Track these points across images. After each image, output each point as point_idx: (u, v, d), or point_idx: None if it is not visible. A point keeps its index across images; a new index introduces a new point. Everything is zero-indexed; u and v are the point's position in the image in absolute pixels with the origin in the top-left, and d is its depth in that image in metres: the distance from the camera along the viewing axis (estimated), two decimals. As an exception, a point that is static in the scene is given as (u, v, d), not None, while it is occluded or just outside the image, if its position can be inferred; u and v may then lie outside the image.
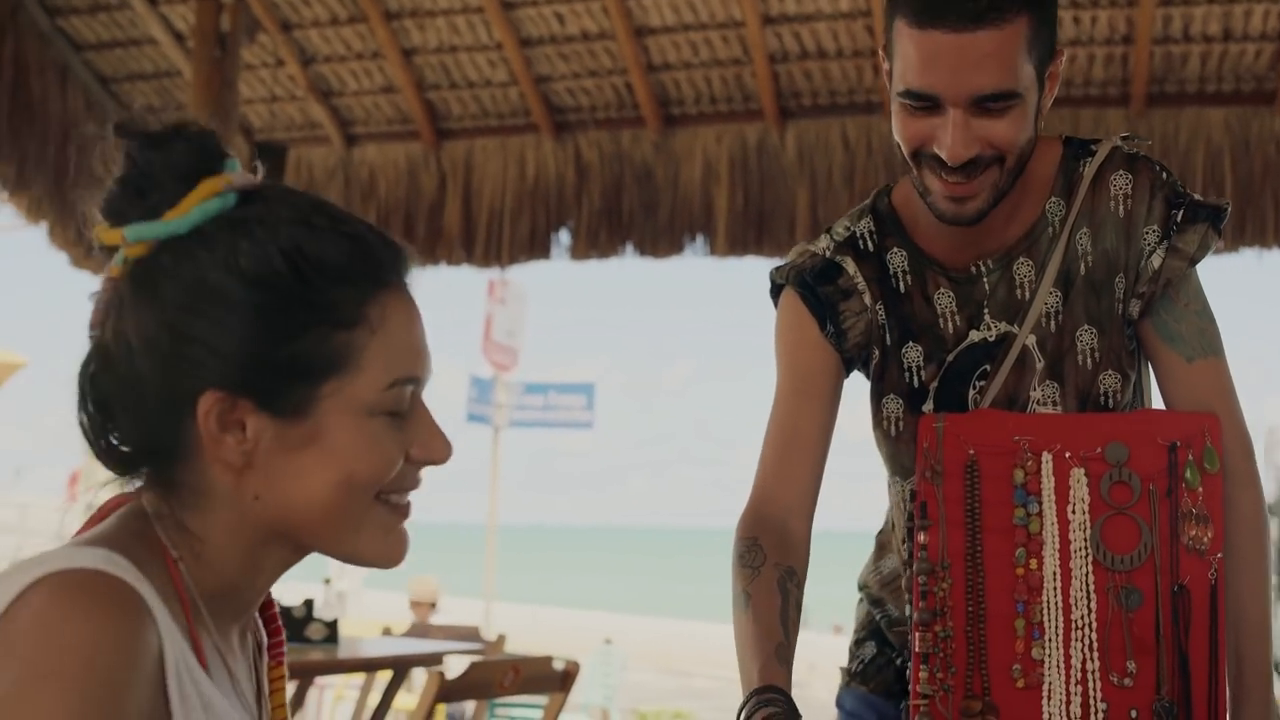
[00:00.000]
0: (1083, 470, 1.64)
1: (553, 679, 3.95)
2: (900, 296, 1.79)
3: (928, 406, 1.76)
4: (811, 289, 1.80)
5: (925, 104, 1.60)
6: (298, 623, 4.47)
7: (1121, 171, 1.73)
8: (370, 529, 1.09)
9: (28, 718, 0.91)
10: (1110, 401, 1.72)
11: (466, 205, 5.84)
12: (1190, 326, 1.72)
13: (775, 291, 1.86)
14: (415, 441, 1.10)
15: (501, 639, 5.33)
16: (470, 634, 5.41)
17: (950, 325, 1.77)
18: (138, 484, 1.11)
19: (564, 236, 5.83)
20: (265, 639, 1.22)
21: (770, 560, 1.71)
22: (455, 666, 3.67)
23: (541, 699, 5.96)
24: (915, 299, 1.79)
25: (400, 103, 6.00)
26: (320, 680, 7.65)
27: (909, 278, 1.79)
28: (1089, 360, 1.72)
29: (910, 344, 1.78)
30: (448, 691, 3.52)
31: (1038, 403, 1.72)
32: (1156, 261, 1.70)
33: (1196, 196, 1.72)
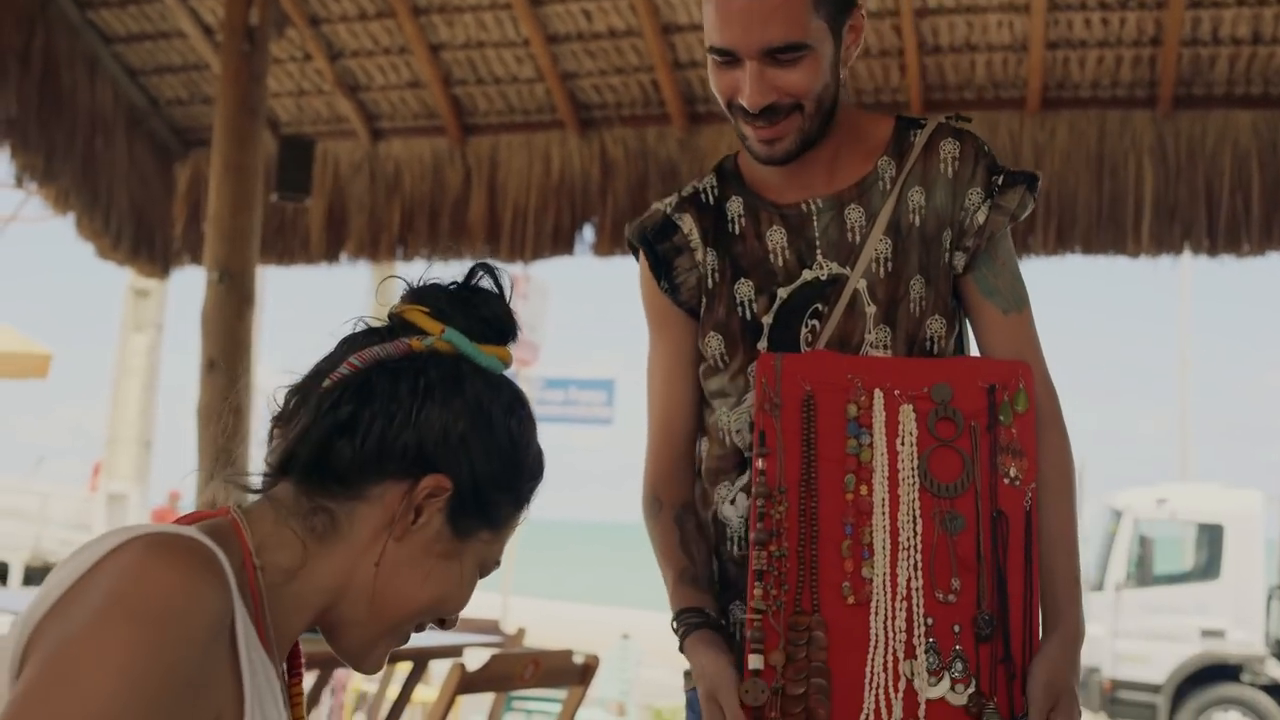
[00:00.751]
0: (911, 407, 1.79)
1: (572, 672, 3.96)
2: (734, 238, 1.93)
3: (763, 344, 1.88)
4: (650, 245, 1.97)
5: (727, 58, 1.79)
6: (320, 613, 4.49)
7: (950, 139, 1.90)
8: (392, 642, 1.30)
9: (96, 649, 1.01)
10: (935, 347, 1.86)
11: (491, 200, 5.86)
12: (1006, 282, 1.88)
13: (633, 250, 2.02)
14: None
15: (521, 632, 5.35)
16: (490, 627, 5.42)
17: (780, 259, 1.89)
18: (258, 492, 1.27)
19: (588, 233, 5.85)
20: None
21: (667, 505, 1.95)
22: (474, 659, 3.68)
23: (560, 693, 5.98)
24: (748, 238, 1.92)
25: (427, 98, 6.02)
26: (338, 673, 7.69)
27: (743, 220, 1.94)
28: (917, 307, 1.85)
29: (741, 280, 1.91)
30: (469, 683, 3.53)
31: (871, 345, 1.84)
32: (981, 217, 1.86)
33: (1012, 167, 1.90)
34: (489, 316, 1.31)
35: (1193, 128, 5.21)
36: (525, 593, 22.27)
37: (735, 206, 1.94)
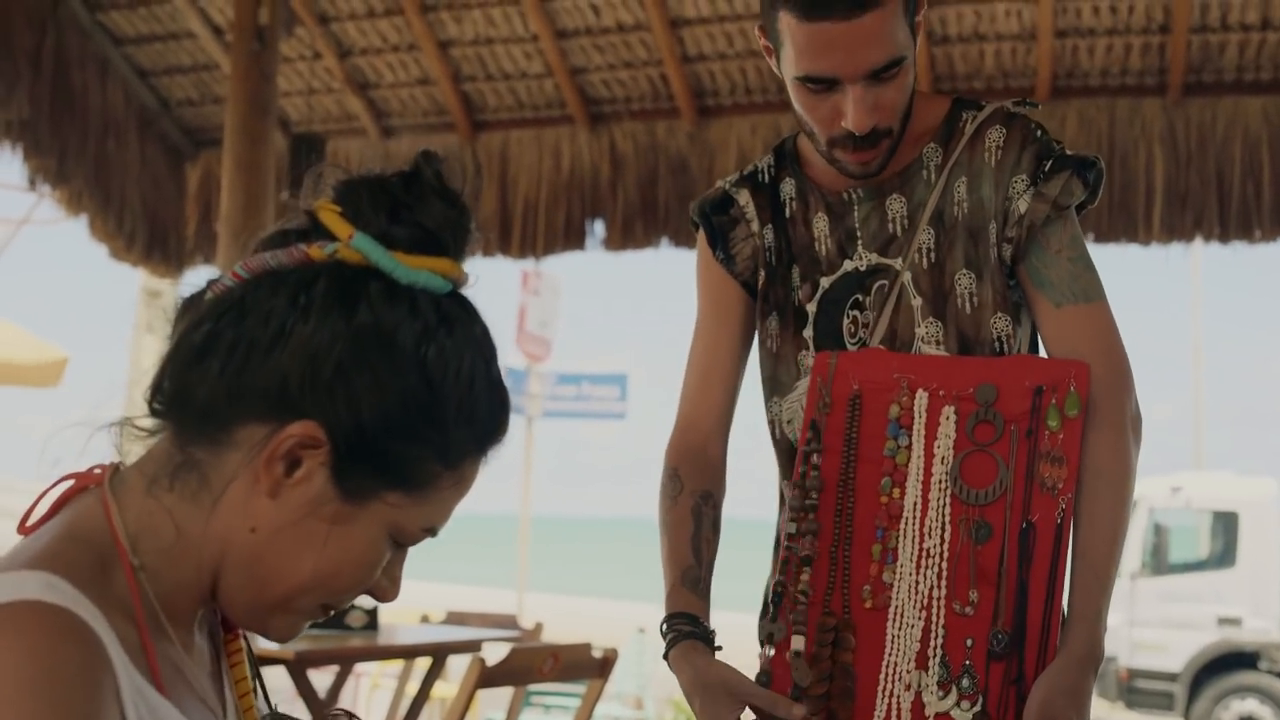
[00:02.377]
0: (953, 408, 1.71)
1: (591, 666, 3.98)
2: (787, 220, 1.91)
3: (808, 332, 1.86)
4: (708, 218, 1.96)
5: (823, 85, 1.72)
6: (337, 611, 4.51)
7: (998, 126, 1.81)
8: (291, 617, 1.09)
9: None
10: (1004, 345, 1.77)
11: (502, 196, 5.88)
12: (1061, 272, 1.76)
13: (694, 226, 2.00)
14: (385, 574, 1.10)
15: (539, 626, 5.36)
16: (508, 621, 5.45)
17: (824, 248, 1.87)
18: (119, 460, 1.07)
19: (599, 228, 5.86)
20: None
21: (687, 489, 1.86)
22: (493, 654, 3.70)
23: (578, 687, 5.99)
24: (798, 223, 1.90)
25: (436, 94, 6.04)
26: (357, 669, 7.71)
27: (794, 203, 1.91)
28: (968, 304, 1.77)
29: (792, 265, 1.89)
30: (489, 677, 3.54)
31: (922, 340, 1.78)
32: (1022, 206, 1.76)
33: (1069, 152, 1.79)
34: (425, 220, 1.06)
35: (1203, 115, 5.20)
36: (540, 589, 22.30)
37: (789, 188, 1.91)
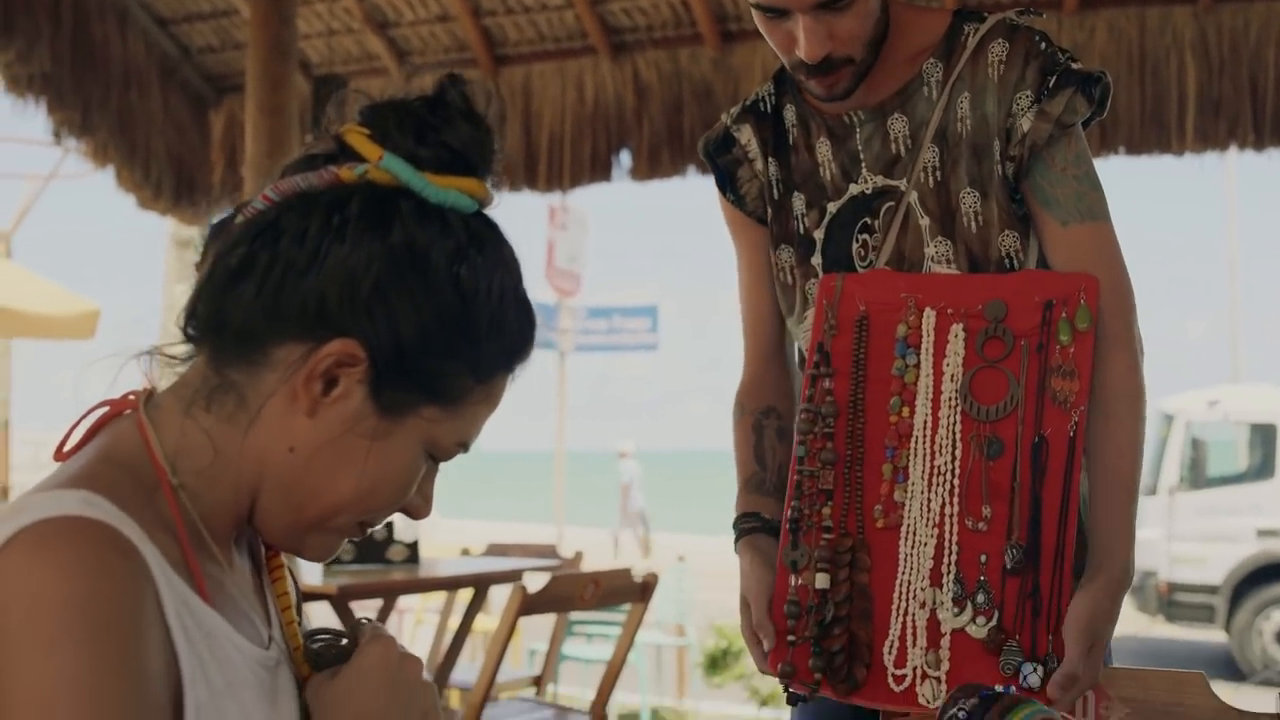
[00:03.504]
0: (961, 325, 1.70)
1: (632, 590, 4.01)
2: (789, 148, 1.91)
3: (816, 259, 1.86)
4: (713, 158, 1.98)
5: (775, 14, 1.72)
6: (378, 545, 4.56)
7: (1000, 39, 1.77)
8: (328, 536, 1.10)
9: (50, 693, 0.86)
10: (1013, 262, 1.76)
11: (527, 131, 5.85)
12: (1066, 191, 1.74)
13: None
14: (418, 492, 1.12)
15: (579, 555, 5.40)
16: (548, 551, 5.49)
17: (828, 173, 1.86)
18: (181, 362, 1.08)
19: (625, 158, 5.82)
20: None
21: (748, 410, 1.94)
22: (534, 583, 3.74)
23: (619, 616, 6.05)
24: (800, 149, 1.90)
25: (456, 30, 5.99)
26: (400, 604, 7.80)
27: (796, 130, 1.91)
28: (973, 223, 1.76)
29: (796, 193, 1.89)
30: (531, 604, 3.58)
31: (932, 259, 1.77)
32: (1025, 125, 1.73)
33: (1075, 65, 1.74)
34: (451, 141, 1.07)
35: (1235, 21, 5.10)
36: (578, 522, 22.46)
37: (790, 115, 1.92)
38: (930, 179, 1.78)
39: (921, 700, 1.66)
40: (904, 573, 1.68)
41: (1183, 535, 10.97)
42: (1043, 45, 1.76)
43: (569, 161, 5.82)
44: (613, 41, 5.76)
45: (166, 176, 6.46)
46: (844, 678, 1.69)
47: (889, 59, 1.81)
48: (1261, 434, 11.30)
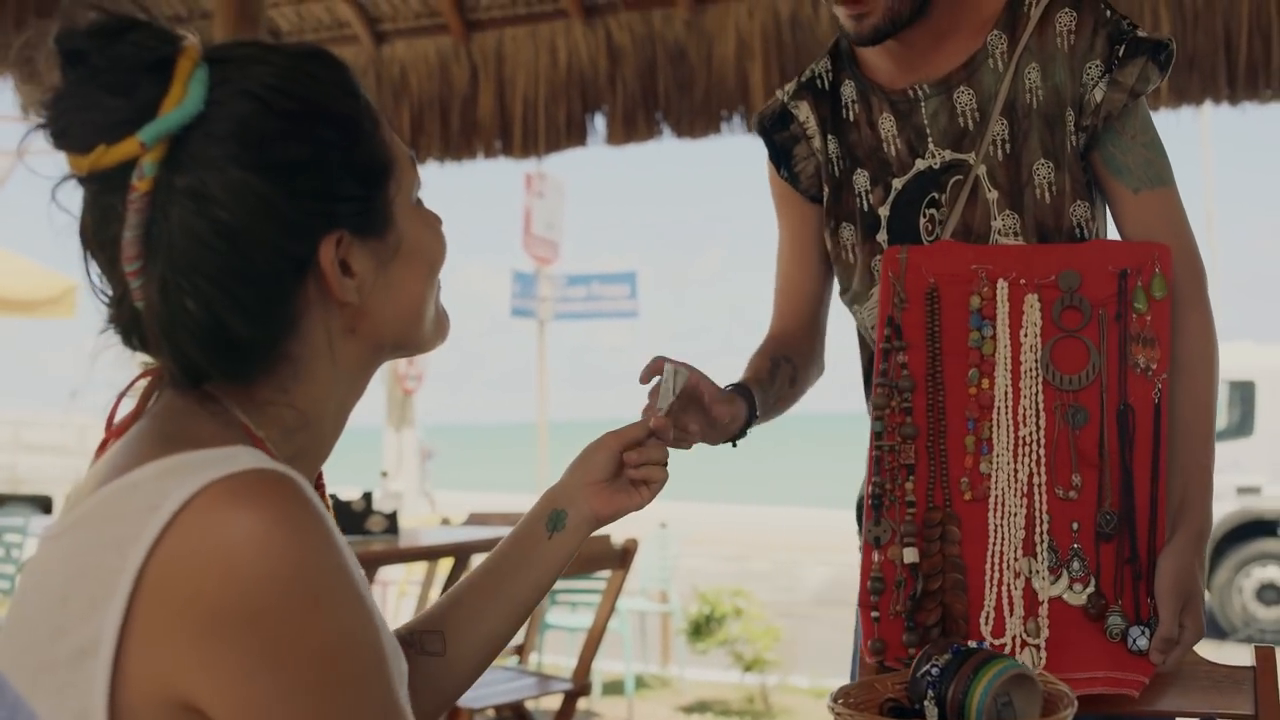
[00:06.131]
0: (1036, 296, 1.71)
1: (612, 556, 4.01)
2: (849, 125, 1.89)
3: (882, 236, 1.84)
4: (769, 134, 1.96)
5: None
6: (357, 516, 4.54)
7: (1068, 9, 1.78)
8: (433, 312, 1.14)
9: (316, 650, 0.88)
10: (1083, 232, 1.78)
11: (500, 96, 5.79)
12: (1136, 158, 1.77)
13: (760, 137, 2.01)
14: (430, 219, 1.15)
15: (559, 525, 5.38)
16: (528, 522, 5.46)
17: (893, 149, 1.85)
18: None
19: (599, 123, 5.78)
20: None
21: (768, 351, 1.91)
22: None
23: (600, 583, 6.05)
24: (861, 126, 1.88)
25: (427, -4, 5.93)
26: (381, 576, 7.79)
27: (856, 107, 1.89)
28: (1047, 194, 1.77)
29: (859, 170, 1.88)
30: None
31: (999, 233, 1.78)
32: (1099, 95, 1.75)
33: (1141, 33, 1.77)
34: (144, 57, 1.01)
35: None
36: (561, 491, 22.42)
37: (849, 91, 1.90)
38: (1000, 151, 1.78)
39: None
40: (995, 543, 1.69)
41: (1163, 492, 11.03)
42: (1108, 13, 1.78)
43: (544, 127, 5.77)
44: (585, 4, 5.71)
45: (136, 149, 6.39)
46: None
47: (952, 32, 1.82)
48: (1240, 391, 11.35)
